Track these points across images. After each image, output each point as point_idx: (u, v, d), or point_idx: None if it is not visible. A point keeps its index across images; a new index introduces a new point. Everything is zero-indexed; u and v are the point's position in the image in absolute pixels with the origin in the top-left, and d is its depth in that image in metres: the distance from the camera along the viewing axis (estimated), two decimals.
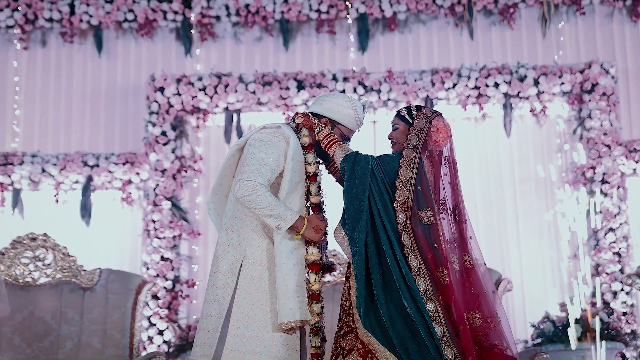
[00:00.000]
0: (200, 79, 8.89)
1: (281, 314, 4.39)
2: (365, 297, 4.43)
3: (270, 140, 4.56)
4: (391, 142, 4.84)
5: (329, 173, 4.95)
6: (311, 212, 4.66)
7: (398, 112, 4.82)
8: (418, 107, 4.80)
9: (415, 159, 4.59)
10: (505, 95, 8.69)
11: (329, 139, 4.68)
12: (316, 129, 4.71)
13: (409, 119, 4.75)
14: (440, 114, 4.80)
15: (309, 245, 4.57)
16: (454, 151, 4.79)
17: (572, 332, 7.62)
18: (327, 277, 6.89)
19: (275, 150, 4.54)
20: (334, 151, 4.65)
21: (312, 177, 4.66)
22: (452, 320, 4.40)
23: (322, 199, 4.70)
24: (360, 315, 4.41)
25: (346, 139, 4.82)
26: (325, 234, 4.73)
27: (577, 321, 7.73)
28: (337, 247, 7.26)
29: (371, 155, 4.63)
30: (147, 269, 8.61)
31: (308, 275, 4.56)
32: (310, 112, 4.81)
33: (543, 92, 8.62)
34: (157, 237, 8.66)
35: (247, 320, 4.42)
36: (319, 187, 4.71)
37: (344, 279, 6.93)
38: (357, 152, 4.62)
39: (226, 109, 8.96)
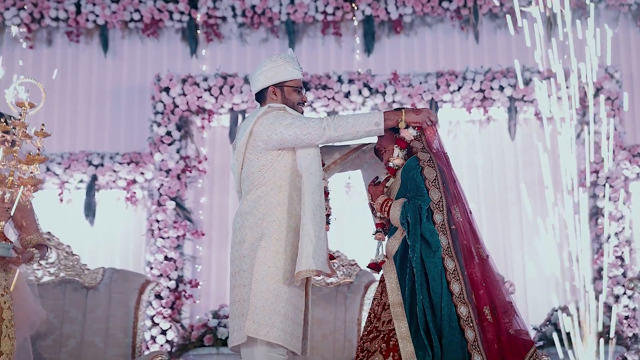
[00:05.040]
0: (205, 79, 8.91)
1: (300, 263, 4.50)
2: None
3: (278, 114, 4.69)
4: (381, 152, 4.84)
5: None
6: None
7: None
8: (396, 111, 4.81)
9: (432, 158, 4.59)
10: (510, 98, 8.70)
11: (387, 205, 4.66)
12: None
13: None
14: None
15: None
16: (443, 144, 4.81)
17: (574, 336, 7.62)
18: (329, 279, 6.91)
19: (289, 114, 4.70)
20: (391, 213, 4.62)
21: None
22: (480, 318, 4.42)
23: (329, 212, 4.82)
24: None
25: (300, 90, 4.85)
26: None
27: (579, 324, 7.73)
28: (340, 249, 7.27)
29: (408, 199, 4.58)
30: (151, 268, 8.63)
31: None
32: (256, 94, 4.86)
33: (547, 96, 8.62)
34: (161, 237, 8.67)
35: (265, 292, 4.52)
36: (328, 202, 4.83)
37: (346, 280, 6.98)
38: (404, 204, 4.57)
39: (231, 109, 8.98)
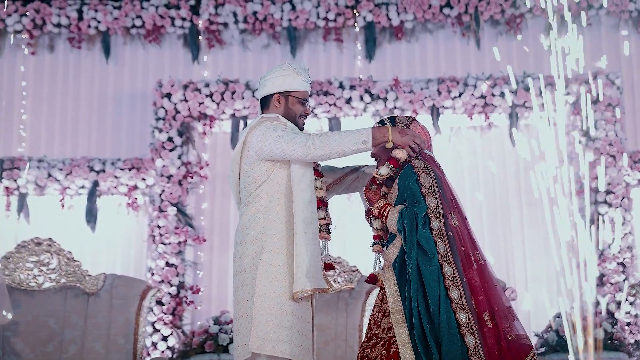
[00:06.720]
0: (207, 85, 8.92)
1: (296, 284, 4.48)
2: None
3: (271, 125, 4.63)
4: (375, 160, 4.82)
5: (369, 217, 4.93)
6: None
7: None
8: (391, 118, 4.78)
9: (427, 165, 4.57)
10: (511, 105, 8.70)
11: (385, 210, 4.65)
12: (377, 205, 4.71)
13: None
14: (414, 118, 4.79)
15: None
16: (432, 150, 4.79)
17: (576, 342, 7.61)
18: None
19: (281, 125, 4.64)
20: (388, 220, 4.61)
21: (319, 202, 4.70)
22: (480, 324, 4.40)
23: (329, 222, 4.76)
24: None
25: (304, 102, 4.82)
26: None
27: (580, 331, 7.72)
28: (342, 255, 7.28)
29: (406, 206, 4.55)
30: (152, 274, 8.63)
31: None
32: (261, 99, 4.81)
33: (548, 102, 8.63)
34: (163, 243, 8.67)
35: (269, 307, 4.49)
36: (326, 212, 4.77)
37: (348, 286, 6.97)
38: (400, 211, 4.53)
39: (233, 115, 8.98)
